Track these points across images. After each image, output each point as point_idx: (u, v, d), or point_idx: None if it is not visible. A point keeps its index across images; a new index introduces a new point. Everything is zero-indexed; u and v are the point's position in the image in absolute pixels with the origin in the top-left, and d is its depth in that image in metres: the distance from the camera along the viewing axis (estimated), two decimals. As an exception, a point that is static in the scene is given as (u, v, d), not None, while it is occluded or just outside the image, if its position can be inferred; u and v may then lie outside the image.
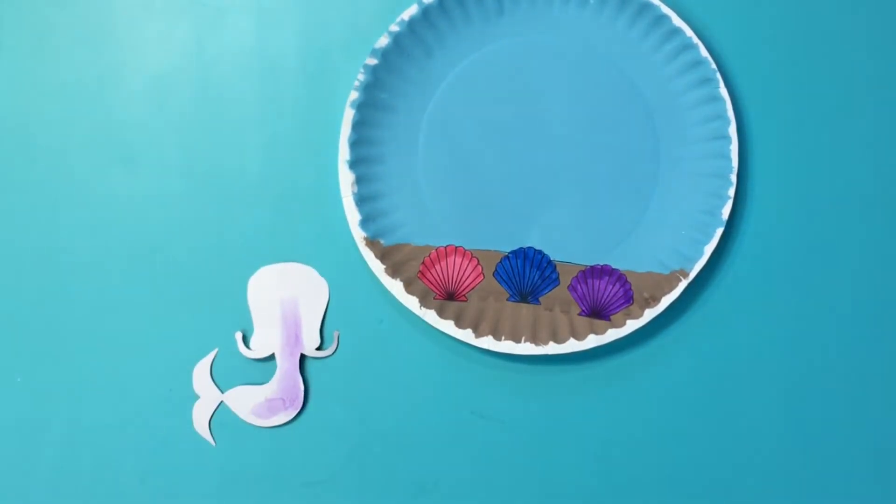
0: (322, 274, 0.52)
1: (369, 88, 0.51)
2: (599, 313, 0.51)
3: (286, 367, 0.51)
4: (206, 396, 0.51)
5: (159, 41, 0.53)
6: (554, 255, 0.52)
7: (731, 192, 0.50)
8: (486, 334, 0.50)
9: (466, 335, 0.50)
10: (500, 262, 0.52)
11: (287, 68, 0.52)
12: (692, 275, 0.50)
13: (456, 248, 0.52)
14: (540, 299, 0.51)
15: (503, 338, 0.50)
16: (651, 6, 0.50)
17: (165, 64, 0.53)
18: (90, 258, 0.52)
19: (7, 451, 0.51)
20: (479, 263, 0.52)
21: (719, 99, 0.50)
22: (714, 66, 0.50)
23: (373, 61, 0.51)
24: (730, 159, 0.50)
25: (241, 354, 0.51)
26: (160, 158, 0.52)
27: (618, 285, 0.51)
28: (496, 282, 0.52)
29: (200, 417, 0.51)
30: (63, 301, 0.52)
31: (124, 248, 0.52)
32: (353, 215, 0.50)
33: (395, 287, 0.50)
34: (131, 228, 0.52)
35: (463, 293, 0.51)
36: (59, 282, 0.52)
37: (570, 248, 0.52)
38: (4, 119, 0.52)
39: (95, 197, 0.52)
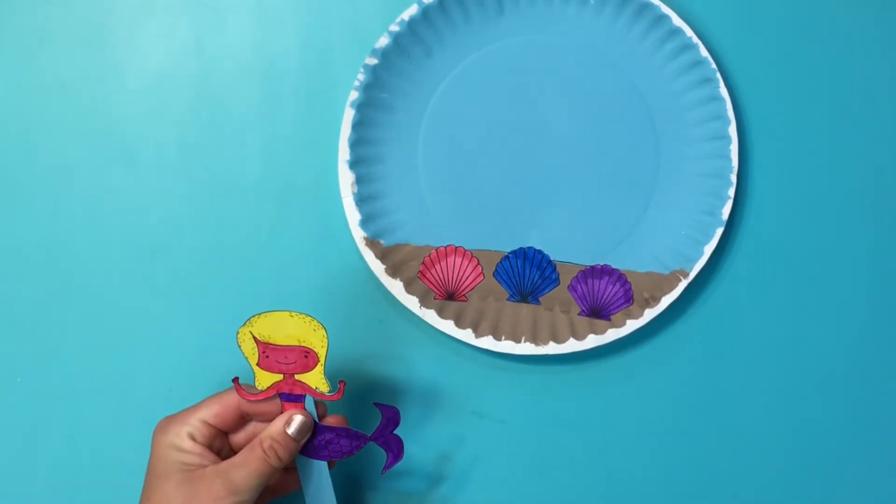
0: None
1: (369, 88, 0.51)
2: (599, 313, 0.51)
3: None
4: None
5: (159, 41, 0.53)
6: (554, 255, 0.52)
7: (731, 192, 0.50)
8: (486, 334, 0.50)
9: (466, 335, 0.50)
10: (500, 261, 0.52)
11: (287, 68, 0.52)
12: (692, 275, 0.50)
13: (456, 248, 0.52)
14: (540, 299, 0.51)
15: (503, 338, 0.50)
16: (651, 6, 0.50)
17: (165, 63, 0.53)
18: (90, 258, 0.52)
19: (7, 451, 0.51)
20: (478, 263, 0.52)
21: (719, 99, 0.50)
22: (714, 66, 0.50)
23: (373, 61, 0.51)
24: (730, 159, 0.50)
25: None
26: (160, 158, 0.52)
27: (618, 285, 0.51)
28: (496, 282, 0.52)
29: None
30: (63, 301, 0.52)
31: (124, 248, 0.52)
32: (353, 215, 0.50)
33: (395, 287, 0.50)
34: (131, 228, 0.52)
35: (463, 293, 0.51)
36: (58, 282, 0.52)
37: (571, 248, 0.52)
38: (4, 119, 0.52)
39: (95, 197, 0.52)
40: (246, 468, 0.42)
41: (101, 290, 0.52)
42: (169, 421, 0.43)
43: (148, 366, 0.52)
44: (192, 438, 0.43)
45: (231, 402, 0.44)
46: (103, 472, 0.51)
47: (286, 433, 0.43)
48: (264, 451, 0.43)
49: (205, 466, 0.42)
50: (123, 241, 0.52)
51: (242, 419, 0.45)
